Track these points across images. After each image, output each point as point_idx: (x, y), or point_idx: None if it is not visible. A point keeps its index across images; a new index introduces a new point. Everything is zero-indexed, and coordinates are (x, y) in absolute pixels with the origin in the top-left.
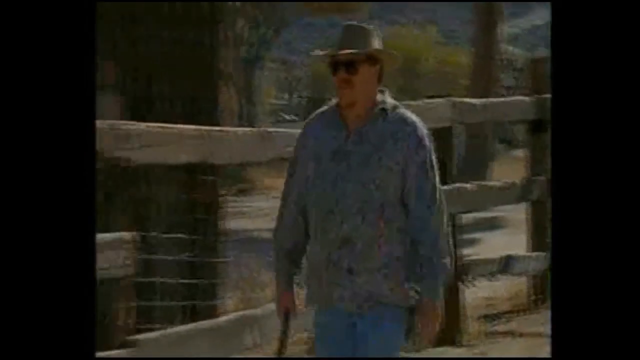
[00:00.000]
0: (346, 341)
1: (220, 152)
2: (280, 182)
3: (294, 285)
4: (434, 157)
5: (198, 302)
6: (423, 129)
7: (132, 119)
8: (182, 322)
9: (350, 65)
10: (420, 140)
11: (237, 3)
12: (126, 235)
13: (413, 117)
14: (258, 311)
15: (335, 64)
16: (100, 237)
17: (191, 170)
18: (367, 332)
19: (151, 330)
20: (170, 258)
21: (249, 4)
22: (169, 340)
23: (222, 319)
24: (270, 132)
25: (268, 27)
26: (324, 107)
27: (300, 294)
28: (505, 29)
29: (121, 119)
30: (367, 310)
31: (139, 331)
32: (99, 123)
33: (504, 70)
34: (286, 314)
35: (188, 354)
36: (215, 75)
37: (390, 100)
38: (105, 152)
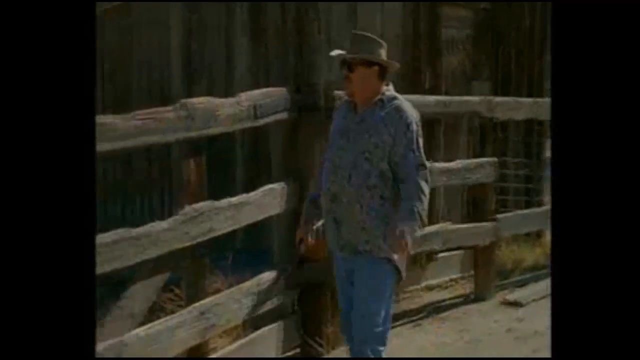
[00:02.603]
0: (346, 281)
1: (544, 113)
2: None
3: (314, 225)
4: (419, 139)
5: (530, 198)
6: (411, 117)
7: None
8: (524, 208)
9: (350, 66)
10: (407, 125)
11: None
12: (492, 160)
13: (405, 107)
14: None
15: (342, 64)
16: (478, 160)
17: (528, 123)
18: (356, 274)
19: (506, 212)
20: (514, 172)
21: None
22: (517, 218)
23: (542, 208)
24: None
25: None
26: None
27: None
28: None
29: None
30: (351, 255)
31: (498, 212)
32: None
33: None
34: (299, 242)
35: (524, 227)
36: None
37: (389, 94)
38: (483, 113)
